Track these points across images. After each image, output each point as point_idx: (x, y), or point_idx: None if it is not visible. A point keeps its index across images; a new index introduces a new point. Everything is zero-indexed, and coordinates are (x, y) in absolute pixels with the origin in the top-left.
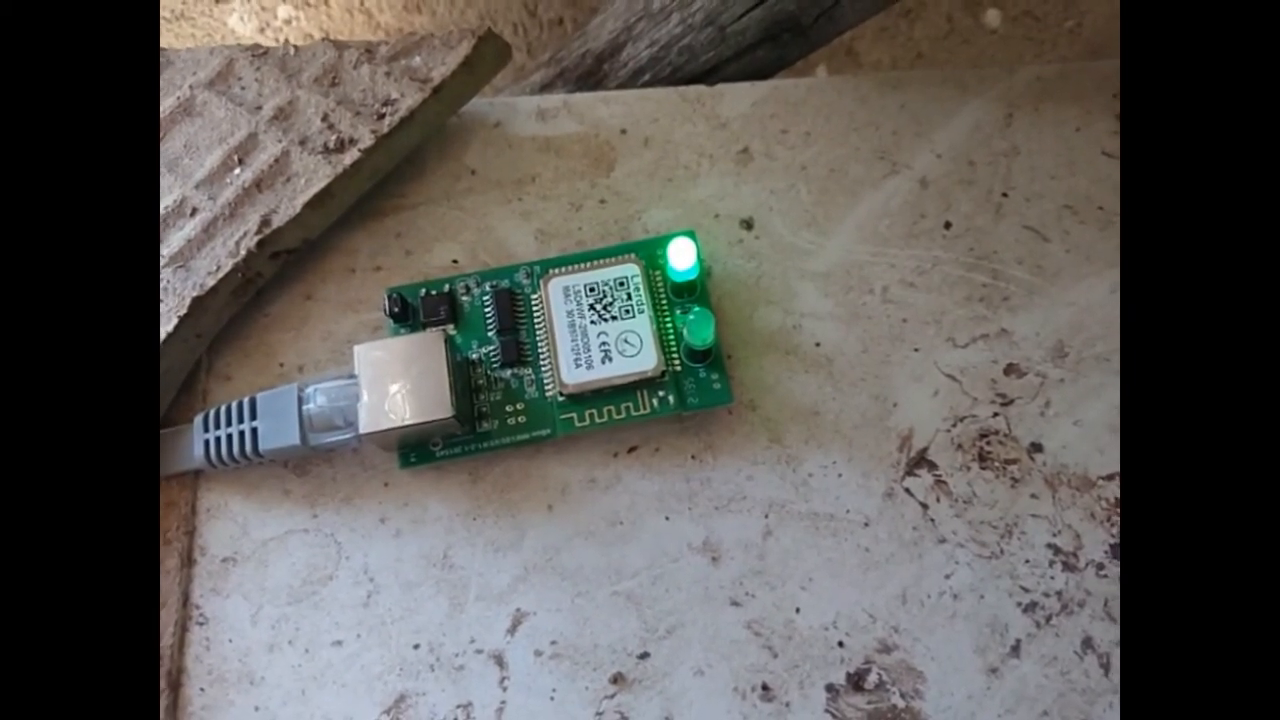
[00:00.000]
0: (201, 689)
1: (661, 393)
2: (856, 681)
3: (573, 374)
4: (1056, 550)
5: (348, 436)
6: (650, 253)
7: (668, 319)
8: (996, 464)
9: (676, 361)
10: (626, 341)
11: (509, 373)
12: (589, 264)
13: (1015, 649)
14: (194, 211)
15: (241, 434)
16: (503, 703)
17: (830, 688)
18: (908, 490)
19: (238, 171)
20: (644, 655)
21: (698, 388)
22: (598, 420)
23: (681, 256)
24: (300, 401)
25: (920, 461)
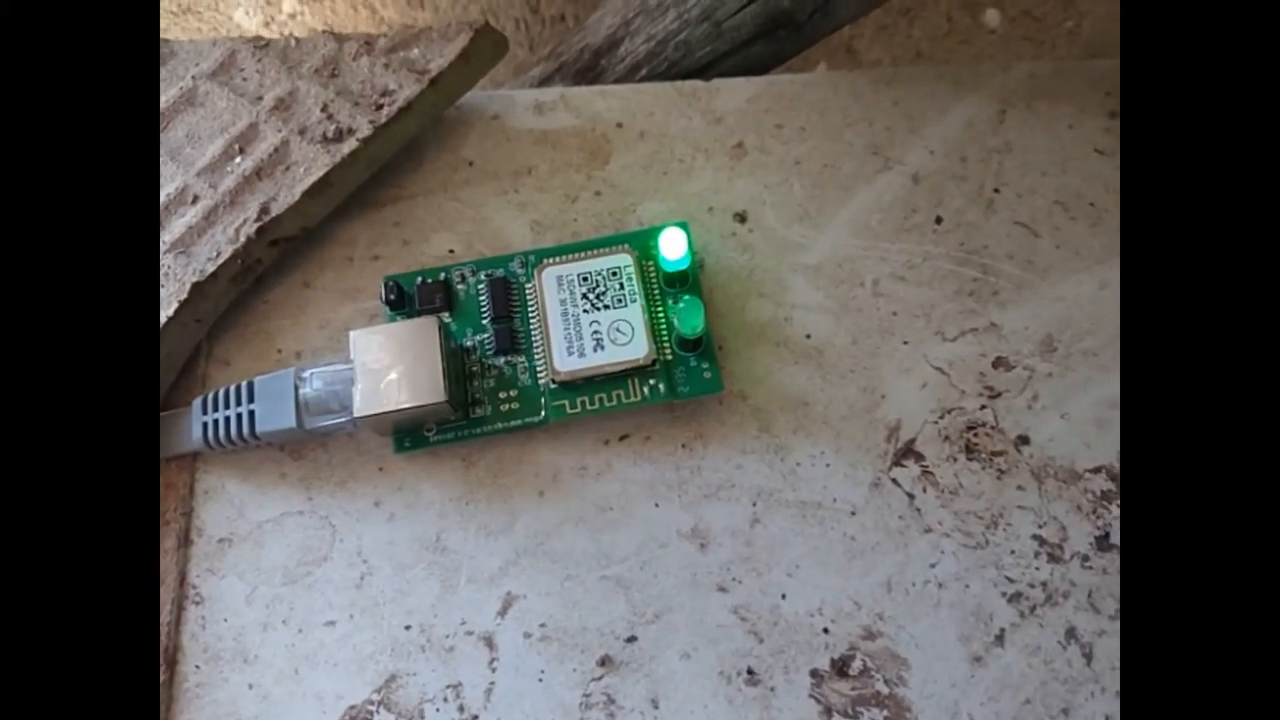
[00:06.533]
0: (197, 666)
1: (652, 381)
2: (841, 668)
3: (565, 361)
4: (1042, 541)
5: (343, 420)
6: (643, 243)
7: (660, 309)
8: (983, 456)
9: (668, 350)
10: (619, 330)
11: (502, 360)
12: (583, 254)
13: (999, 638)
14: (195, 199)
15: (239, 416)
16: (492, 684)
17: (815, 673)
18: (894, 480)
19: (238, 160)
20: (631, 639)
21: (688, 376)
22: (589, 407)
23: (673, 246)
24: (297, 385)
25: (907, 452)
